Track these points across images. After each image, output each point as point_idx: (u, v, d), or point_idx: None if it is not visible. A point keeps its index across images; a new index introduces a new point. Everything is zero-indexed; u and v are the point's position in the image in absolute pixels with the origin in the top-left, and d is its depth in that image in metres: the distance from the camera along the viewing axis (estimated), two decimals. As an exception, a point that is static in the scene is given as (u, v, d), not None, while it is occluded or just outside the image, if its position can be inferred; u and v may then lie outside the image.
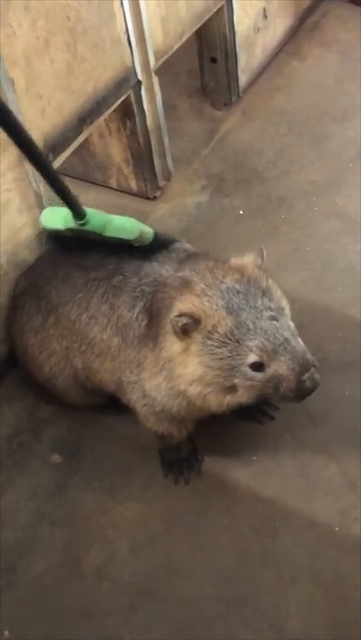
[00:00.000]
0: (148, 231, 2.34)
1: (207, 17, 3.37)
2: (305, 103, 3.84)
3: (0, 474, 2.54)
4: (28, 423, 2.67)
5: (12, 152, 2.43)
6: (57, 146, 2.65)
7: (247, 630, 2.13)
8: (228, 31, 3.56)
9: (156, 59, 3.05)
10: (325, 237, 3.16)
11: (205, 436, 2.50)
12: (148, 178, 3.35)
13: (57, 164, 2.70)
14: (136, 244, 2.32)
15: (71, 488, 2.49)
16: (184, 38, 3.23)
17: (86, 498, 2.46)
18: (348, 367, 2.68)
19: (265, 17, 3.85)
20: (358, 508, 2.34)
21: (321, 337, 2.75)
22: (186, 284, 2.10)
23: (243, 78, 3.84)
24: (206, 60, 3.74)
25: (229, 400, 2.08)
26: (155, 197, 3.42)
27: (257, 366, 2.00)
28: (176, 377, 2.09)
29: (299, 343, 2.04)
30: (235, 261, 2.14)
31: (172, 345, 2.07)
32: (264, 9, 3.81)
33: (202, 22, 3.35)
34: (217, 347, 1.99)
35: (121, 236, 2.30)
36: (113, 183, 3.46)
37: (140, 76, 2.99)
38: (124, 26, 2.79)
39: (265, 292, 2.04)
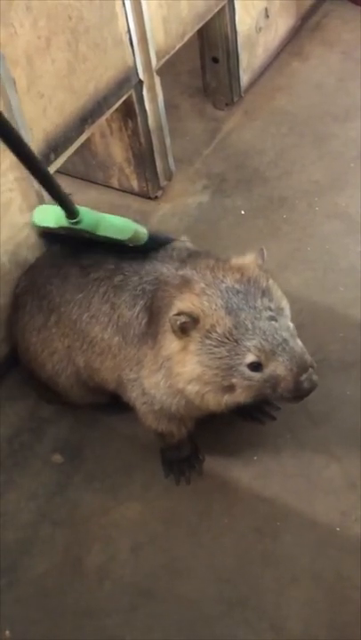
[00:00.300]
0: (142, 231, 2.32)
1: (209, 17, 3.37)
2: (307, 103, 3.84)
3: (1, 473, 2.54)
4: (30, 423, 2.68)
5: (14, 152, 2.43)
6: (59, 145, 2.65)
7: (248, 630, 2.13)
8: (229, 31, 3.56)
9: (158, 58, 3.05)
10: (327, 238, 3.16)
11: (206, 436, 2.50)
12: (149, 177, 3.35)
13: (59, 163, 2.70)
14: (130, 244, 2.31)
15: (72, 488, 2.49)
16: (186, 38, 3.23)
17: (87, 498, 2.47)
18: (349, 367, 2.68)
19: (267, 17, 3.85)
20: (359, 508, 2.34)
21: (322, 337, 2.75)
22: (186, 283, 2.10)
23: (244, 78, 3.84)
24: (208, 59, 3.74)
25: (227, 399, 2.08)
26: (156, 197, 3.43)
27: (255, 366, 2.00)
28: (174, 375, 2.09)
29: (297, 344, 2.03)
30: (235, 261, 2.14)
31: (171, 343, 2.07)
32: (266, 9, 3.81)
33: (203, 22, 3.35)
34: (215, 346, 1.99)
35: (114, 236, 2.29)
36: (114, 183, 3.46)
37: (141, 76, 2.99)
38: (125, 25, 2.79)
39: (265, 293, 2.03)
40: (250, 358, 1.98)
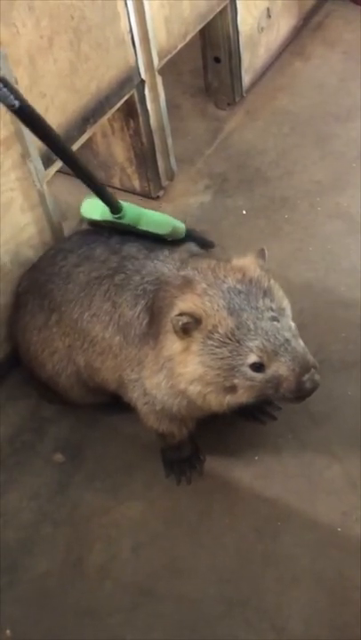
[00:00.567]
0: (181, 227, 2.45)
1: (211, 17, 3.37)
2: (308, 103, 3.84)
3: (2, 473, 2.54)
4: (31, 422, 2.68)
5: (16, 151, 2.43)
6: (60, 145, 2.65)
7: (249, 630, 2.13)
8: (231, 31, 3.56)
9: (160, 58, 3.05)
10: (328, 238, 3.16)
11: (207, 436, 2.50)
12: (151, 177, 3.35)
13: (61, 163, 2.69)
14: (169, 239, 2.41)
15: (73, 487, 2.49)
16: (188, 38, 3.23)
17: (88, 497, 2.47)
18: (351, 367, 2.68)
19: (269, 17, 3.85)
20: (360, 508, 2.34)
21: (323, 337, 2.74)
22: (187, 283, 2.10)
23: (246, 78, 3.84)
24: (210, 59, 3.74)
25: (229, 400, 2.08)
26: (158, 197, 3.43)
27: (257, 367, 1.99)
28: (176, 376, 2.09)
29: (299, 344, 2.03)
30: (237, 261, 2.14)
31: (173, 344, 2.07)
32: (268, 9, 3.81)
33: (205, 22, 3.35)
34: (217, 346, 1.99)
35: (155, 231, 2.39)
36: (116, 182, 3.46)
37: (143, 76, 2.99)
38: (127, 25, 2.79)
39: (266, 293, 2.03)
40: (252, 359, 1.98)
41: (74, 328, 2.36)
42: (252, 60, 3.84)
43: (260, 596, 2.19)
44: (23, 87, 2.38)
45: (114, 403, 2.49)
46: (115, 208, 2.36)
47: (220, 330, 1.98)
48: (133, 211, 2.41)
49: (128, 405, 2.37)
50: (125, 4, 2.73)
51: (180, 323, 1.98)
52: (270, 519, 2.35)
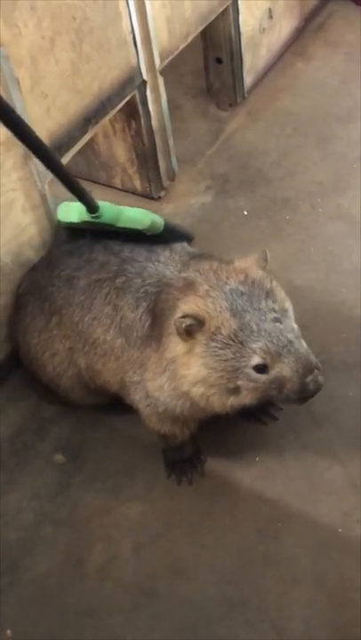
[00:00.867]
0: (159, 221, 2.41)
1: (213, 17, 3.37)
2: (310, 104, 3.84)
3: (3, 473, 2.54)
4: (32, 423, 2.68)
5: (17, 152, 2.43)
6: (62, 145, 2.66)
7: (249, 631, 2.13)
8: (233, 32, 3.56)
9: (162, 59, 3.05)
10: (330, 239, 3.16)
11: (208, 437, 2.50)
12: (152, 178, 3.35)
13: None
14: (148, 234, 2.38)
15: (74, 488, 2.49)
16: (189, 39, 3.23)
17: (89, 498, 2.47)
18: (352, 368, 2.68)
19: (270, 17, 3.85)
20: (361, 509, 2.34)
21: (325, 338, 2.74)
22: (190, 285, 2.10)
23: (248, 79, 3.84)
24: (211, 60, 3.74)
25: (233, 401, 2.08)
26: (159, 197, 3.43)
27: (260, 368, 1.99)
28: (179, 378, 2.09)
29: (302, 345, 2.03)
30: (239, 262, 2.14)
31: (176, 346, 2.07)
32: (270, 9, 3.81)
33: (207, 23, 3.35)
34: (220, 348, 1.99)
35: (133, 227, 2.36)
36: (117, 183, 3.46)
37: (145, 76, 2.99)
38: (129, 26, 2.79)
39: (269, 294, 2.03)
40: (256, 360, 1.98)
41: (75, 331, 2.36)
42: (253, 60, 3.84)
43: (261, 597, 2.19)
44: (25, 88, 2.39)
45: (115, 404, 2.49)
46: (92, 208, 2.31)
47: (224, 331, 1.98)
48: (111, 209, 2.36)
49: (129, 406, 2.37)
50: (127, 4, 2.73)
51: (184, 325, 1.98)
52: (271, 520, 2.35)
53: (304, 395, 2.03)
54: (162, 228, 2.41)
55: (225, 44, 3.63)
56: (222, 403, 2.08)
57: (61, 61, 2.52)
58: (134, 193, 3.44)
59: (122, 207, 2.38)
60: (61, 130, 2.63)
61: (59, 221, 2.50)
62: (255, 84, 3.95)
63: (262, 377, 2.00)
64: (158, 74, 3.07)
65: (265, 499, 2.39)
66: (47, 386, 2.56)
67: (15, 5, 2.26)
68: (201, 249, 2.48)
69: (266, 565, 2.26)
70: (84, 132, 2.75)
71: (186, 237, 2.52)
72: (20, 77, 2.35)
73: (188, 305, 2.03)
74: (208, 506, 2.41)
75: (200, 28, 3.32)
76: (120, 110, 2.99)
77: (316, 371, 2.01)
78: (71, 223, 2.44)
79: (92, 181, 3.48)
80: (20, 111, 2.35)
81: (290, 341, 1.99)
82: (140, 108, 3.06)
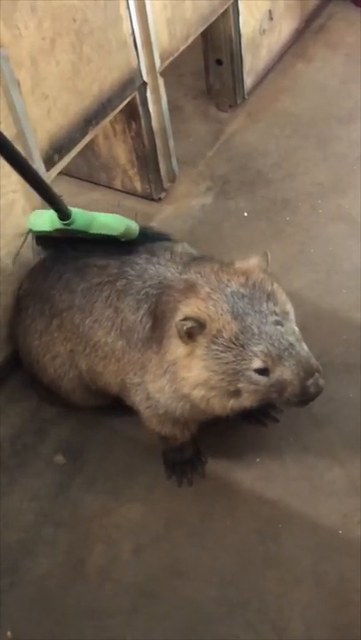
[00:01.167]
0: (134, 227, 2.39)
1: (213, 19, 3.37)
2: (310, 105, 3.84)
3: (3, 474, 2.55)
4: (32, 424, 2.68)
5: (18, 153, 2.43)
6: (63, 147, 2.66)
7: (250, 632, 2.13)
8: (233, 33, 3.56)
9: (162, 60, 3.05)
10: (330, 240, 3.16)
11: (209, 438, 2.50)
12: (152, 179, 3.35)
13: (62, 164, 2.70)
14: (122, 239, 2.36)
15: (74, 489, 2.50)
16: (190, 40, 3.24)
17: (89, 499, 2.47)
18: (353, 370, 2.68)
19: (271, 19, 3.85)
20: (361, 510, 2.34)
21: (325, 340, 2.74)
22: (191, 288, 2.09)
23: (248, 80, 3.84)
24: (212, 61, 3.75)
25: (233, 404, 2.08)
26: (159, 199, 3.43)
27: (261, 371, 1.99)
28: (180, 380, 2.09)
29: (303, 348, 2.03)
30: (239, 264, 2.14)
31: (177, 348, 2.07)
32: (270, 11, 3.81)
33: (207, 24, 3.35)
34: (222, 351, 1.98)
35: (107, 233, 2.34)
36: (117, 184, 3.46)
37: (145, 78, 2.99)
38: (130, 27, 2.79)
39: (270, 297, 2.03)
40: (257, 363, 1.98)
41: (75, 333, 2.36)
42: (253, 62, 3.84)
43: (262, 598, 2.20)
44: (25, 89, 2.39)
45: (116, 405, 2.49)
46: (64, 214, 2.29)
47: (225, 334, 1.98)
48: (83, 216, 2.33)
49: (130, 408, 2.37)
50: (128, 5, 2.73)
51: (185, 327, 1.98)
52: (271, 521, 2.35)
53: (305, 398, 2.03)
54: (137, 233, 2.39)
55: (225, 46, 3.63)
56: (223, 405, 2.08)
57: (62, 63, 2.52)
58: (135, 194, 3.44)
59: (95, 213, 2.36)
60: (62, 131, 2.63)
61: (30, 230, 2.49)
62: (255, 86, 3.95)
63: (263, 380, 2.00)
64: (159, 75, 3.07)
65: (265, 500, 2.40)
66: (48, 387, 2.57)
67: (15, 6, 2.26)
68: (201, 250, 2.48)
69: (266, 566, 2.26)
70: (84, 134, 2.76)
71: (164, 239, 2.51)
72: (21, 79, 2.35)
73: (190, 307, 2.03)
74: (208, 507, 2.41)
75: (200, 30, 3.32)
76: (120, 111, 3.00)
77: (316, 374, 2.01)
78: (43, 231, 2.44)
79: (92, 183, 3.49)
80: (20, 113, 2.36)
81: (291, 344, 1.99)
82: (140, 109, 3.06)
